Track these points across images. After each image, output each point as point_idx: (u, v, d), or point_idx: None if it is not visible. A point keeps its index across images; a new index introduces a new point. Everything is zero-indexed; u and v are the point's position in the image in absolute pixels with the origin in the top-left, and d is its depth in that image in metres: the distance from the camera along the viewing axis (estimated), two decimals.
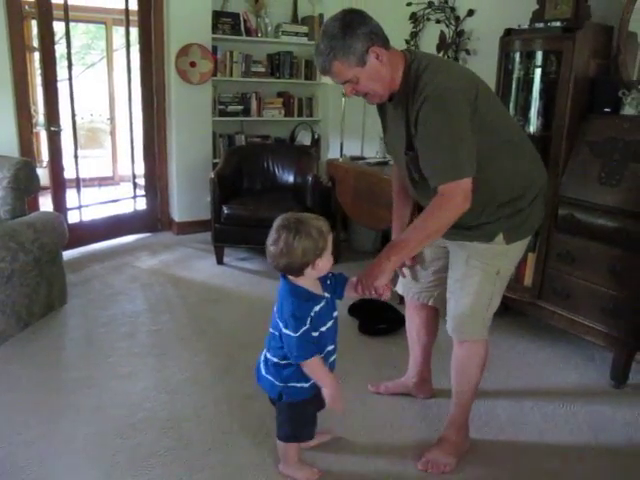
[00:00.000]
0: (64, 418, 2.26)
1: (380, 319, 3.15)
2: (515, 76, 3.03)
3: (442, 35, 3.91)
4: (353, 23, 1.69)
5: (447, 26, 3.88)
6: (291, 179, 4.42)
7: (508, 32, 2.99)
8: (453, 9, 3.84)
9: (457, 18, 3.81)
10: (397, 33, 4.21)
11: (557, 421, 2.36)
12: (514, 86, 3.05)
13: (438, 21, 3.95)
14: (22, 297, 2.94)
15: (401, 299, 2.00)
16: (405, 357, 2.61)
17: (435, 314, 2.34)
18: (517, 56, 3.00)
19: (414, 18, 4.11)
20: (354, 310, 3.25)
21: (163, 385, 2.52)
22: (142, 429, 2.20)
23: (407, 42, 4.17)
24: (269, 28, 4.88)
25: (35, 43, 5.72)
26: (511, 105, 3.07)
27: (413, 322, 2.37)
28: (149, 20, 4.48)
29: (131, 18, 4.53)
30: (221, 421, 2.28)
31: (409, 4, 4.09)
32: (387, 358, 2.83)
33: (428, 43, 4.06)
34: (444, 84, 1.68)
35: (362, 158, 4.39)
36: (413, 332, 2.40)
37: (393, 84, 1.79)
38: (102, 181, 6.63)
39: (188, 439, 2.15)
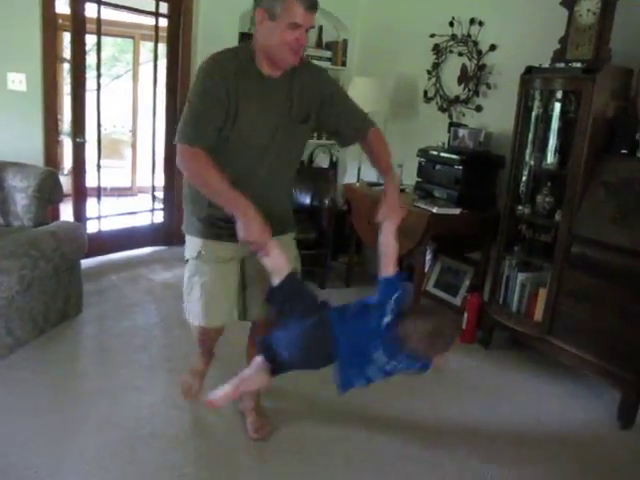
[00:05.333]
0: (75, 427, 2.30)
1: None
2: (534, 113, 3.09)
3: (464, 68, 3.98)
4: None
5: (469, 59, 3.95)
6: (307, 201, 4.47)
7: (529, 70, 3.05)
8: (476, 43, 3.90)
9: (479, 52, 3.87)
10: (420, 63, 4.30)
11: (562, 460, 2.36)
12: (533, 122, 3.10)
13: (460, 54, 4.02)
14: (40, 304, 3.00)
15: None
16: (414, 384, 2.63)
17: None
18: (537, 94, 3.06)
19: (437, 49, 4.18)
20: None
21: (173, 400, 2.55)
22: (151, 442, 2.24)
23: (429, 72, 4.24)
24: None
25: (65, 54, 5.86)
26: (529, 140, 3.12)
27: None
28: (177, 38, 4.59)
29: (160, 34, 4.64)
30: (229, 439, 2.31)
31: (432, 35, 4.16)
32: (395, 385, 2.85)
33: (449, 74, 4.13)
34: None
35: (379, 184, 4.42)
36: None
37: None
38: (121, 192, 6.72)
39: (195, 455, 2.19)
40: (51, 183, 3.30)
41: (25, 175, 3.26)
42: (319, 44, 5.10)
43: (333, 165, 5.25)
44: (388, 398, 2.71)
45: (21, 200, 3.23)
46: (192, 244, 2.13)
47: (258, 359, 1.86)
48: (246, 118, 1.90)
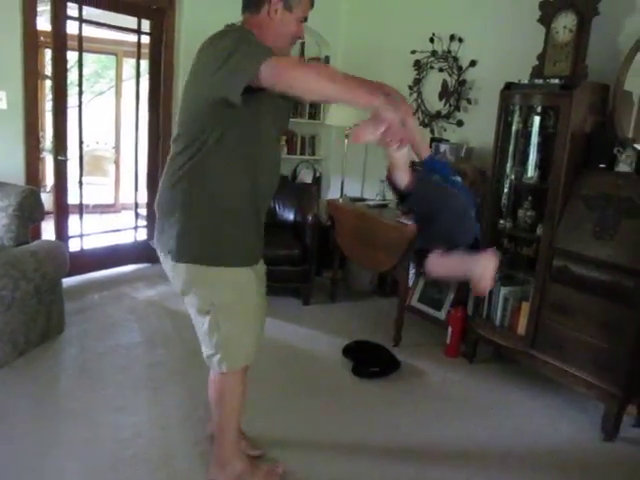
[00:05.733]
0: (56, 450, 2.26)
1: (374, 362, 3.17)
2: (514, 128, 3.13)
3: (444, 83, 4.02)
4: None
5: (450, 75, 4.00)
6: (291, 217, 4.48)
7: (508, 86, 3.09)
8: (456, 59, 3.95)
9: (460, 68, 3.93)
10: (401, 78, 4.34)
11: (547, 474, 2.37)
12: (513, 137, 3.14)
13: (441, 69, 4.07)
14: (20, 325, 2.96)
15: None
16: (400, 400, 2.62)
17: None
18: (517, 109, 3.10)
19: (418, 65, 4.23)
20: (348, 352, 3.27)
21: (156, 420, 2.53)
22: (134, 464, 2.20)
23: (410, 88, 4.28)
24: None
25: (46, 71, 5.84)
26: (509, 155, 3.15)
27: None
28: (160, 55, 4.59)
29: (143, 51, 4.64)
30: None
31: (413, 52, 4.21)
32: (380, 401, 2.84)
33: (430, 90, 4.17)
34: None
35: (362, 199, 4.45)
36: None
37: None
38: (104, 209, 6.68)
39: (180, 476, 2.16)
40: (32, 202, 3.27)
41: (5, 194, 3.22)
42: None
43: (316, 181, 5.27)
44: (371, 414, 2.70)
45: (1, 219, 3.19)
46: (230, 280, 1.89)
47: (435, 257, 1.85)
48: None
